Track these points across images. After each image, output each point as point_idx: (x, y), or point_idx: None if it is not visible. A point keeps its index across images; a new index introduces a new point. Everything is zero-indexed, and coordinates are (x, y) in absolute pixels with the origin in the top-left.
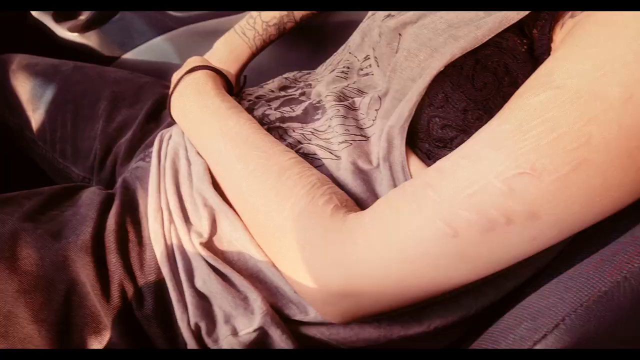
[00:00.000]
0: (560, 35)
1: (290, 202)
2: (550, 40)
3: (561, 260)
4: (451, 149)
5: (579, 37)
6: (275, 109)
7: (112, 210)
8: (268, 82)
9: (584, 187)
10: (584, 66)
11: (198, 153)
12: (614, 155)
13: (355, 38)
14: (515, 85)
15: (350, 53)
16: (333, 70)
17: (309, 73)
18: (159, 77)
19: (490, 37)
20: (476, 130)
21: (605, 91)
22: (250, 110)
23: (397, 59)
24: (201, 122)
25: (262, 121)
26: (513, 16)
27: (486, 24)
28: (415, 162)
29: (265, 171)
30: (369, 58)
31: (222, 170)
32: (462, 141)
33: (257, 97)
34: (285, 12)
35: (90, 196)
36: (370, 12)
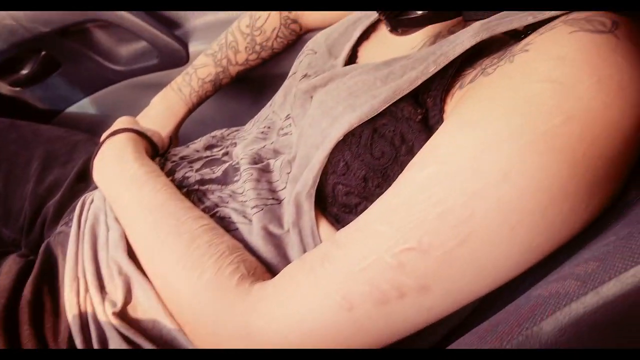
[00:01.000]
0: (451, 105)
1: (198, 272)
2: (442, 110)
3: (475, 315)
4: (357, 214)
5: (462, 112)
6: (197, 170)
7: (29, 278)
8: (195, 141)
9: (471, 261)
10: (465, 142)
11: (116, 219)
12: (496, 230)
13: (279, 95)
14: (411, 154)
15: (273, 112)
16: (257, 128)
17: (238, 130)
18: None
19: (385, 106)
20: (377, 197)
21: (483, 168)
22: (172, 172)
23: (303, 125)
24: (118, 188)
25: (182, 184)
26: (406, 86)
27: (381, 94)
28: (325, 226)
29: (176, 240)
30: (289, 117)
31: (135, 238)
32: (366, 207)
33: (181, 158)
34: (220, 69)
35: (10, 264)
36: (292, 70)
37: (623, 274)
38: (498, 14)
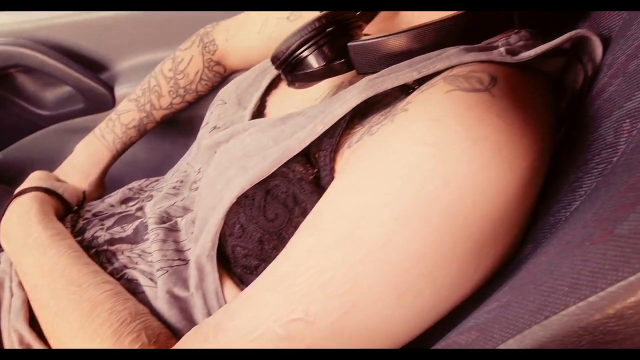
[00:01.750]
0: (341, 164)
1: (96, 343)
2: (333, 169)
3: None
4: (257, 275)
5: (346, 176)
6: (107, 229)
7: None
8: (112, 193)
9: (359, 329)
10: (346, 209)
11: (21, 284)
12: (382, 297)
13: (194, 146)
14: (305, 215)
15: (187, 163)
16: (171, 182)
17: (157, 180)
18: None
19: (275, 168)
20: (274, 259)
21: (365, 236)
22: (82, 231)
23: (201, 186)
24: (21, 252)
25: (92, 244)
26: (295, 147)
27: (272, 155)
28: (230, 287)
29: (76, 309)
30: (201, 171)
31: (38, 306)
32: (265, 268)
33: (93, 215)
34: (144, 114)
35: None
36: (205, 119)
37: (500, 344)
38: (388, 68)
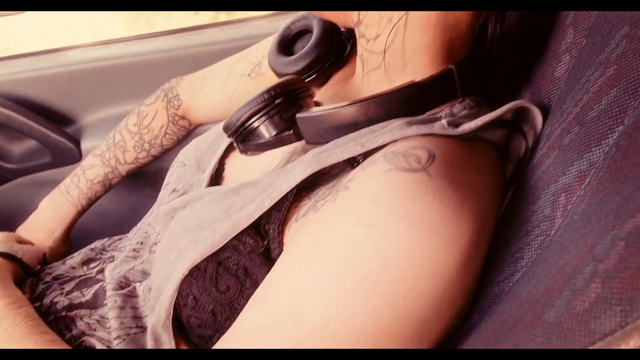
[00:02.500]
0: (288, 237)
1: None
2: (281, 242)
3: None
4: (212, 345)
5: (291, 253)
6: (67, 293)
7: None
8: (74, 254)
9: None
10: (291, 286)
11: None
12: None
13: (155, 206)
14: (256, 286)
15: (148, 224)
16: (132, 243)
17: (120, 239)
18: None
19: (225, 241)
20: (227, 330)
21: (306, 315)
22: (42, 296)
23: (156, 255)
24: None
25: (50, 310)
26: (244, 220)
27: (222, 228)
28: None
29: None
30: (160, 234)
31: None
32: (219, 339)
33: (54, 278)
34: (109, 169)
35: None
36: (165, 180)
37: None
38: (335, 141)
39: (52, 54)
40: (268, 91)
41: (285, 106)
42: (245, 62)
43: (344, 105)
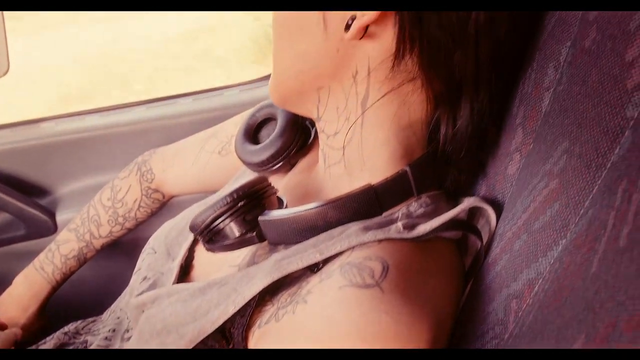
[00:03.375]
0: (252, 343)
1: None
2: (246, 347)
3: None
4: None
5: None
6: None
7: None
8: (47, 338)
9: None
10: None
11: None
12: None
13: (126, 291)
14: None
15: (121, 309)
16: (105, 329)
17: (94, 321)
18: None
19: (192, 345)
20: None
21: None
22: None
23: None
24: None
25: None
26: (208, 327)
27: (187, 333)
28: None
29: None
30: (130, 327)
31: None
32: None
33: None
34: (84, 243)
35: None
36: (137, 265)
37: None
38: (294, 247)
39: (26, 126)
40: (231, 194)
41: (248, 208)
42: (215, 140)
43: (304, 210)
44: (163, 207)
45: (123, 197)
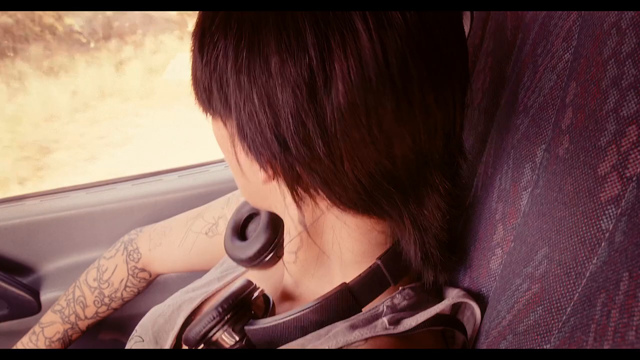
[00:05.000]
0: None
1: None
2: None
3: None
4: None
5: None
6: None
7: None
8: None
9: None
10: None
11: None
12: None
13: None
14: None
15: None
16: None
17: None
18: None
19: None
20: None
21: None
22: None
23: None
24: None
25: None
26: None
27: None
28: None
29: None
30: None
31: None
32: None
33: None
34: (69, 325)
35: None
36: None
37: None
38: (285, 346)
39: (10, 204)
40: (217, 307)
41: (236, 319)
42: (202, 221)
43: (286, 318)
44: (149, 285)
45: (109, 277)
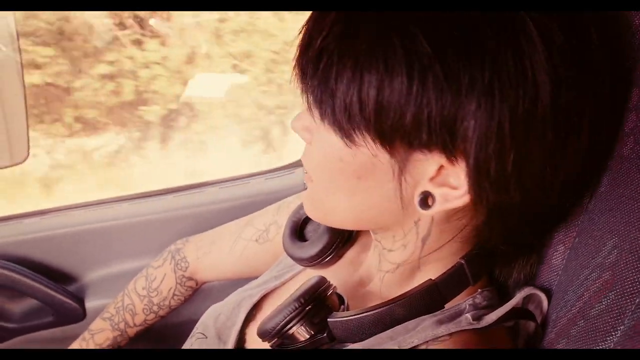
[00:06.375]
0: None
1: None
2: None
3: None
4: None
5: None
6: None
7: None
8: None
9: None
10: None
11: None
12: None
13: None
14: None
15: None
16: None
17: None
18: None
19: None
20: None
21: None
22: None
23: None
24: None
25: None
26: None
27: None
28: None
29: None
30: None
31: None
32: None
33: None
34: (118, 332)
35: None
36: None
37: None
38: (373, 339)
39: (56, 214)
40: (298, 299)
41: (315, 311)
42: (252, 229)
43: (372, 310)
44: (195, 294)
45: (158, 286)
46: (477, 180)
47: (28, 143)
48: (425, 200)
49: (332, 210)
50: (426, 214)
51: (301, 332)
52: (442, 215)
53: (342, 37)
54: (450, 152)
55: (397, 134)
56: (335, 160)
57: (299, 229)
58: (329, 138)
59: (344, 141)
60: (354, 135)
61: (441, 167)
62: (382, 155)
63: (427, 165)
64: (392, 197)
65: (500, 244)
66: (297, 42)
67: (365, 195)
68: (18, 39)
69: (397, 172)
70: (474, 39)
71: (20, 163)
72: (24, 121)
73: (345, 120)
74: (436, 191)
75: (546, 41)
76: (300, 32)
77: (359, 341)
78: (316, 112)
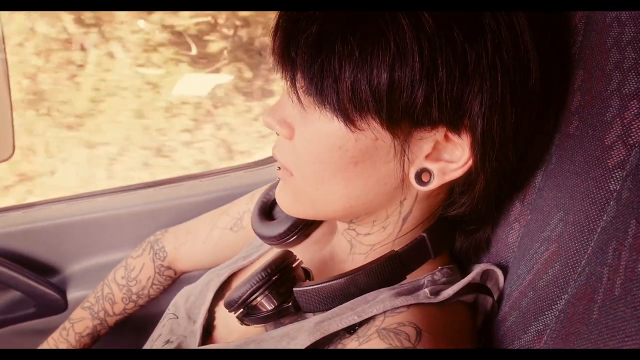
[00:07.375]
0: None
1: None
2: None
3: None
4: None
5: None
6: None
7: None
8: None
9: None
10: None
11: None
12: None
13: None
14: None
15: None
16: None
17: None
18: None
19: None
20: None
21: None
22: None
23: None
24: None
25: None
26: None
27: None
28: None
29: None
30: None
31: None
32: None
33: None
34: (98, 321)
35: None
36: (156, 331)
37: None
38: (332, 310)
39: (38, 207)
40: (264, 269)
41: (281, 282)
42: (227, 217)
43: (336, 278)
44: (173, 283)
45: (137, 275)
46: (482, 150)
47: (13, 140)
48: (420, 177)
49: (322, 203)
50: (423, 189)
51: (266, 302)
52: (424, 193)
53: (345, 23)
54: (456, 126)
55: (406, 115)
56: (333, 149)
57: (268, 208)
58: (324, 127)
59: (347, 127)
60: (358, 120)
61: (436, 143)
62: (384, 137)
63: (424, 143)
64: (387, 178)
65: (462, 216)
66: (271, 32)
67: (361, 180)
68: (3, 39)
69: (399, 152)
70: (475, 19)
71: (6, 160)
72: (10, 118)
73: (353, 106)
74: (433, 167)
75: (531, 21)
76: (277, 21)
77: (324, 311)
78: (312, 101)
